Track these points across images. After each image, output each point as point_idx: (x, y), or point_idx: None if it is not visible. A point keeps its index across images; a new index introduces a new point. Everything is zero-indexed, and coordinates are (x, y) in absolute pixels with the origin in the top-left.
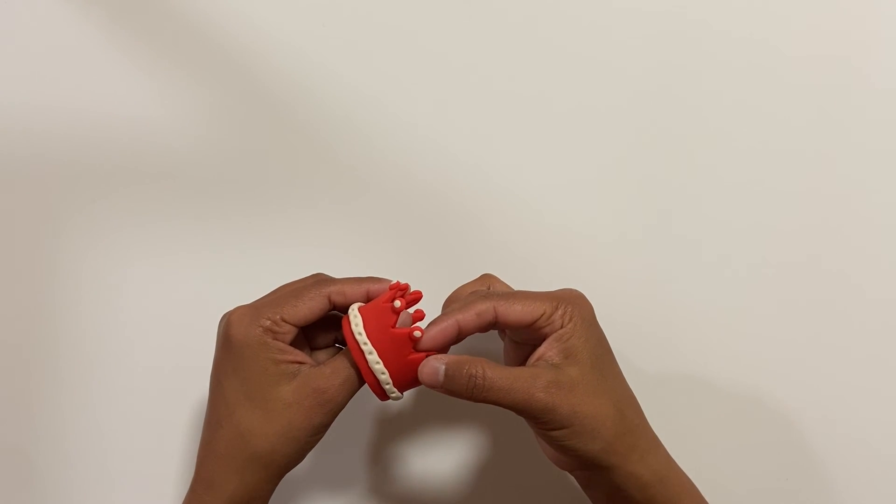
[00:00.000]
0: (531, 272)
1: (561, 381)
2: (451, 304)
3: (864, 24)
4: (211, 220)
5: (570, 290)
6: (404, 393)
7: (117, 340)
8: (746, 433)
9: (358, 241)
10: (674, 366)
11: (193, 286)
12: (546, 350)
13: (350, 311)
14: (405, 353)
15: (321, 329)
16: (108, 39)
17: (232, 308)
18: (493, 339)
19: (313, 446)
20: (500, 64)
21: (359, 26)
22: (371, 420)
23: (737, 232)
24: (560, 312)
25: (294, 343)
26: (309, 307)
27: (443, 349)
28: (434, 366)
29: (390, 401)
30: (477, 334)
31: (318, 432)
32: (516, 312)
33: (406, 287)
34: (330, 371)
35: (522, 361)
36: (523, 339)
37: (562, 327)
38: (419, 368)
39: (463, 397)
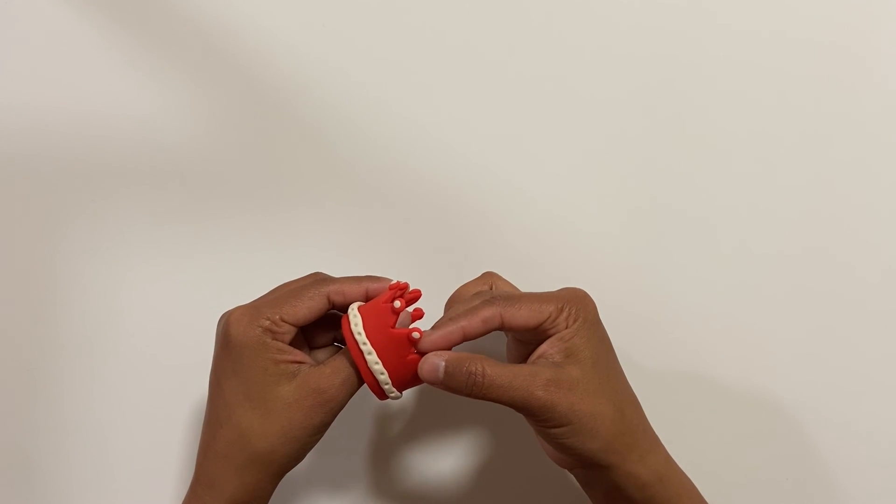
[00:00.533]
0: (533, 269)
1: (560, 380)
2: (453, 304)
3: (868, 13)
4: (211, 220)
5: (574, 289)
6: (403, 392)
7: (117, 340)
8: (747, 432)
9: (357, 240)
10: (676, 362)
11: (193, 285)
12: (548, 348)
13: (349, 310)
14: (404, 354)
15: (320, 328)
16: (108, 39)
17: (231, 308)
18: (493, 338)
19: (313, 446)
20: (503, 61)
21: (359, 26)
22: (371, 420)
23: (742, 228)
24: (565, 315)
25: (293, 342)
26: (308, 307)
27: None
28: (434, 362)
29: (389, 400)
30: None
31: (318, 432)
32: (522, 317)
33: (405, 286)
34: (330, 371)
35: (525, 358)
36: (527, 339)
37: (566, 328)
38: (419, 365)
39: (462, 394)
